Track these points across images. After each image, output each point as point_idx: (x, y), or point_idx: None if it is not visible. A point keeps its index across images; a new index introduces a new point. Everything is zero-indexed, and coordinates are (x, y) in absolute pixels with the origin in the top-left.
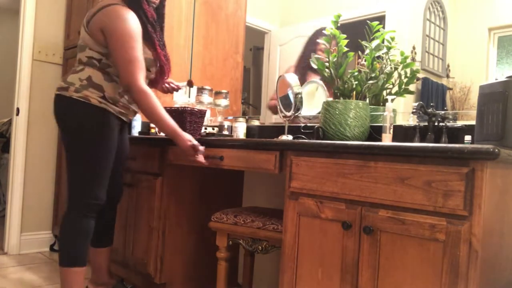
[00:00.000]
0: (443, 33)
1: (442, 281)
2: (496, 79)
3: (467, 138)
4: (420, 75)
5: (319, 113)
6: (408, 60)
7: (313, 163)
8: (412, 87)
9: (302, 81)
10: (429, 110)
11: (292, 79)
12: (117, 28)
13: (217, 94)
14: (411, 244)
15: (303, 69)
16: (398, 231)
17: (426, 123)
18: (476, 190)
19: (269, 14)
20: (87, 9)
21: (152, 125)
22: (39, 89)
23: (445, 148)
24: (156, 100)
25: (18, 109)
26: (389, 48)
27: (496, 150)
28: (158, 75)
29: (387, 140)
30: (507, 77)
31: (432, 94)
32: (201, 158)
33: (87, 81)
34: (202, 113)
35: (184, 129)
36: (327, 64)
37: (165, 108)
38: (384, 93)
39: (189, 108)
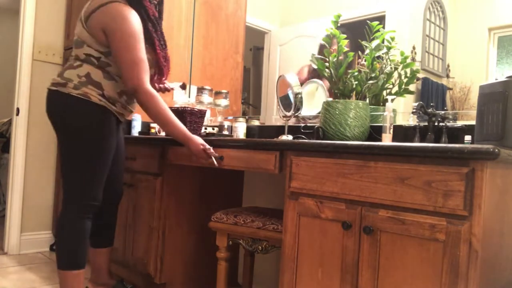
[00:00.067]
0: (443, 33)
1: (442, 281)
2: (496, 79)
3: (467, 138)
4: (420, 75)
5: (319, 113)
6: (408, 60)
7: (313, 163)
8: (412, 87)
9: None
10: (429, 110)
11: (292, 79)
12: (119, 28)
13: (217, 94)
14: (411, 244)
15: None
16: (398, 231)
17: (426, 123)
18: (476, 190)
19: (269, 14)
20: None
21: (152, 125)
22: (39, 89)
23: (445, 148)
24: (164, 103)
25: (18, 109)
26: (389, 48)
27: (496, 150)
28: (156, 76)
29: (387, 140)
30: (507, 77)
31: (432, 94)
32: (214, 161)
33: (86, 78)
34: (202, 113)
35: None
36: (327, 64)
37: None
38: (384, 93)
39: (189, 108)
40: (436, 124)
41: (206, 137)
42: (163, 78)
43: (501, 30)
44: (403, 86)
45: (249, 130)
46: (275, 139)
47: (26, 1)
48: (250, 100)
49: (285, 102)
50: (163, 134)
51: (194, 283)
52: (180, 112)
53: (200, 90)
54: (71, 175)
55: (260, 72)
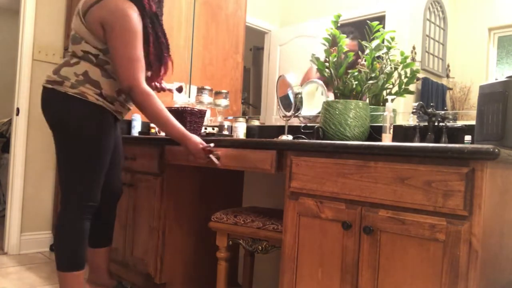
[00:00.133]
0: (443, 33)
1: (442, 281)
2: (496, 79)
3: (467, 138)
4: (420, 75)
5: (319, 113)
6: (408, 60)
7: (313, 163)
8: (412, 87)
9: None
10: (429, 110)
11: (292, 79)
12: (118, 24)
13: (217, 94)
14: (411, 244)
15: None
16: (398, 231)
17: (426, 123)
18: (476, 190)
19: (269, 14)
20: None
21: (152, 125)
22: (39, 89)
23: (445, 148)
24: (160, 102)
25: (18, 109)
26: (389, 48)
27: (496, 150)
28: (151, 74)
29: (387, 140)
30: (507, 77)
31: (432, 94)
32: (215, 160)
33: (84, 76)
34: (202, 113)
35: None
36: (327, 64)
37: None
38: (384, 93)
39: (189, 108)
40: (436, 124)
41: (206, 137)
42: (159, 78)
43: (501, 30)
44: (403, 86)
45: (249, 130)
46: (274, 139)
47: (26, 1)
48: (250, 100)
49: (285, 102)
50: (163, 134)
51: (194, 283)
52: (180, 112)
53: (200, 90)
54: (69, 175)
55: (260, 72)
